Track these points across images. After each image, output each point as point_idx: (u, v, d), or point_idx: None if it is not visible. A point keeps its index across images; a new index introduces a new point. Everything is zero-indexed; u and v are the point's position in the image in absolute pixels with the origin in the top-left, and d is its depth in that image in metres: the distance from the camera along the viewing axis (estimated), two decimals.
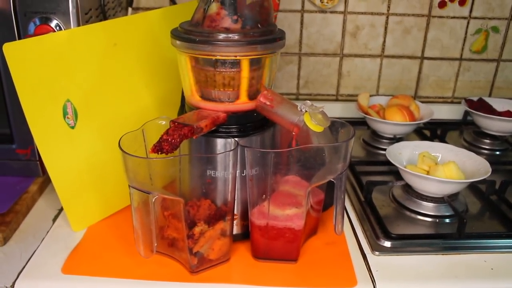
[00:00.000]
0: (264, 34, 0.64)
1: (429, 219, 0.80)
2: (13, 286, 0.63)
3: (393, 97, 1.16)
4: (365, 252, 0.72)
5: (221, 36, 0.62)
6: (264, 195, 0.66)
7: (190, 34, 0.63)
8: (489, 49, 1.25)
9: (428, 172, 0.82)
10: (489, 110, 1.13)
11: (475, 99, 1.18)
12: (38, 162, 0.84)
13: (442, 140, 1.10)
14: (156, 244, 0.65)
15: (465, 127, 1.19)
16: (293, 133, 0.64)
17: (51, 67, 0.66)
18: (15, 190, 0.83)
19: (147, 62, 0.78)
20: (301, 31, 1.21)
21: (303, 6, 1.18)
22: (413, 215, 0.81)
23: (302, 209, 0.66)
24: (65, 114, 0.69)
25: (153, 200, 0.61)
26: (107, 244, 0.72)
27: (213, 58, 0.63)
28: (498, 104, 1.17)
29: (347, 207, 0.84)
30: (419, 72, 1.27)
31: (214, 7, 0.63)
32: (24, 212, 0.79)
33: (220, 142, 0.66)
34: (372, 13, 1.20)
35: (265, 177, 0.64)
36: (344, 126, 0.70)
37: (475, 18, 1.21)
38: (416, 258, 0.71)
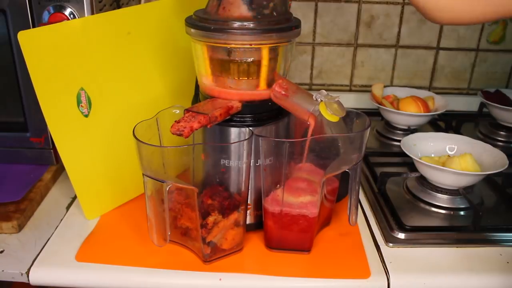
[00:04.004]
0: (279, 22, 0.63)
1: (443, 211, 0.79)
2: (28, 273, 0.64)
3: None
4: (379, 243, 0.71)
5: (236, 24, 0.61)
6: (278, 185, 0.65)
7: (205, 22, 0.63)
8: (507, 39, 1.22)
9: (443, 164, 0.81)
10: (506, 102, 1.11)
11: (492, 90, 1.16)
12: (52, 151, 0.84)
13: (457, 131, 1.08)
14: (169, 233, 0.65)
15: (480, 119, 1.18)
16: (308, 123, 0.63)
17: (65, 55, 0.66)
18: (29, 178, 0.83)
19: (161, 50, 0.78)
20: (315, 20, 1.19)
21: None
22: (427, 207, 0.80)
23: (316, 197, 0.65)
24: (79, 102, 0.69)
25: (167, 189, 0.61)
26: (120, 232, 0.72)
27: (228, 46, 0.62)
28: None
29: (360, 198, 0.83)
30: (435, 62, 1.25)
31: None
32: (38, 200, 0.79)
33: (234, 131, 0.66)
34: (387, 3, 1.18)
35: (279, 166, 0.63)
36: (360, 116, 0.69)
37: None
38: (430, 250, 0.70)
